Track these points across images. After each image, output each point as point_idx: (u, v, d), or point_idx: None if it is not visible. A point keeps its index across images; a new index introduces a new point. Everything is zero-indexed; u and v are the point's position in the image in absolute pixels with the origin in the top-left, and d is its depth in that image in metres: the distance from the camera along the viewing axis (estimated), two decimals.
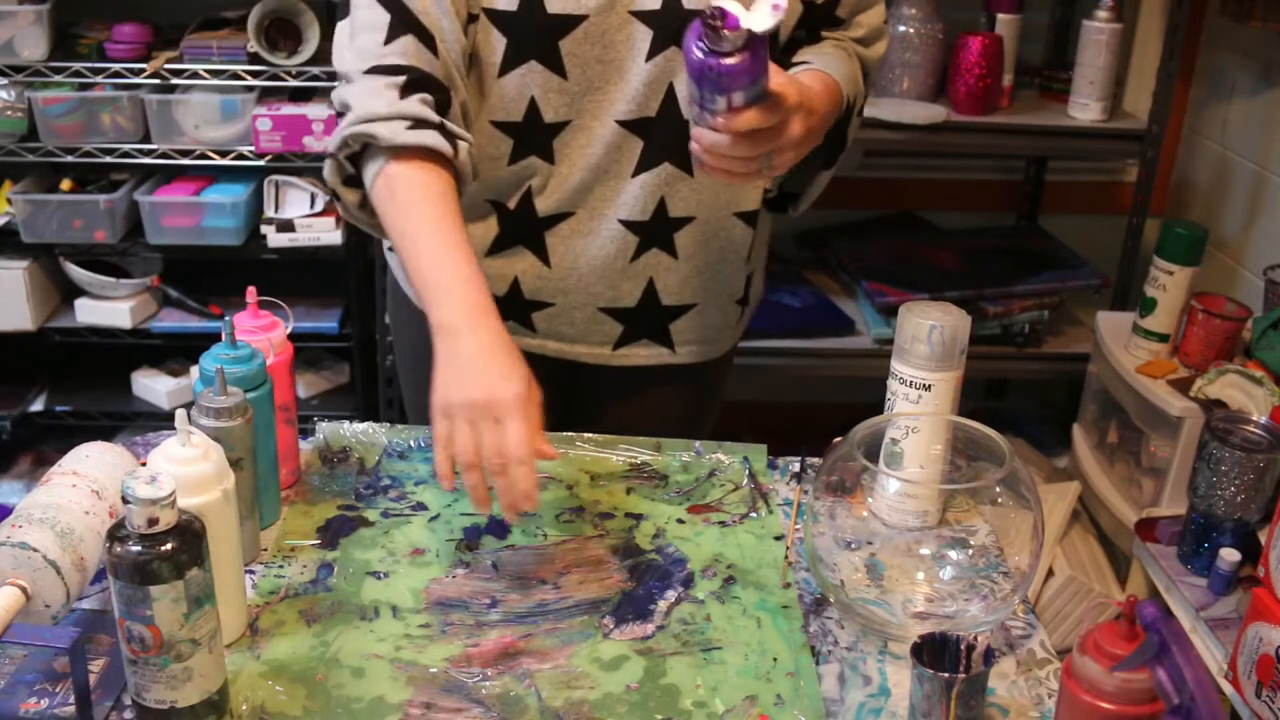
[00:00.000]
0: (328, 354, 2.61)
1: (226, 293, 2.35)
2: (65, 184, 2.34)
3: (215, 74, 2.24)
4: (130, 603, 0.87)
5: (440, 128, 1.15)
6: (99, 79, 2.24)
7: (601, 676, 1.01)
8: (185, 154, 2.29)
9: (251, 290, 1.19)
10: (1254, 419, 1.68)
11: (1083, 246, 2.58)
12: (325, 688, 0.99)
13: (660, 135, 1.27)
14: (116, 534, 0.87)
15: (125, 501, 0.86)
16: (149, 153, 2.29)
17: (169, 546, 0.87)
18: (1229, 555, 1.65)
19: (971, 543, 1.18)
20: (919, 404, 1.14)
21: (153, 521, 0.86)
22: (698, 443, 1.34)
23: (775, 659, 1.04)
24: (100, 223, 2.30)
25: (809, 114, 1.13)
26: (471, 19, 1.21)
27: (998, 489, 1.12)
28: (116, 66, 2.23)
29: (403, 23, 1.15)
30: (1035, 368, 2.43)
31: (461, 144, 1.17)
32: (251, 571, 1.12)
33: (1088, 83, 2.28)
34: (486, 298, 1.11)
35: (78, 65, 2.22)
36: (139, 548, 0.86)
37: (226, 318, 1.13)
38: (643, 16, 1.21)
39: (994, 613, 1.07)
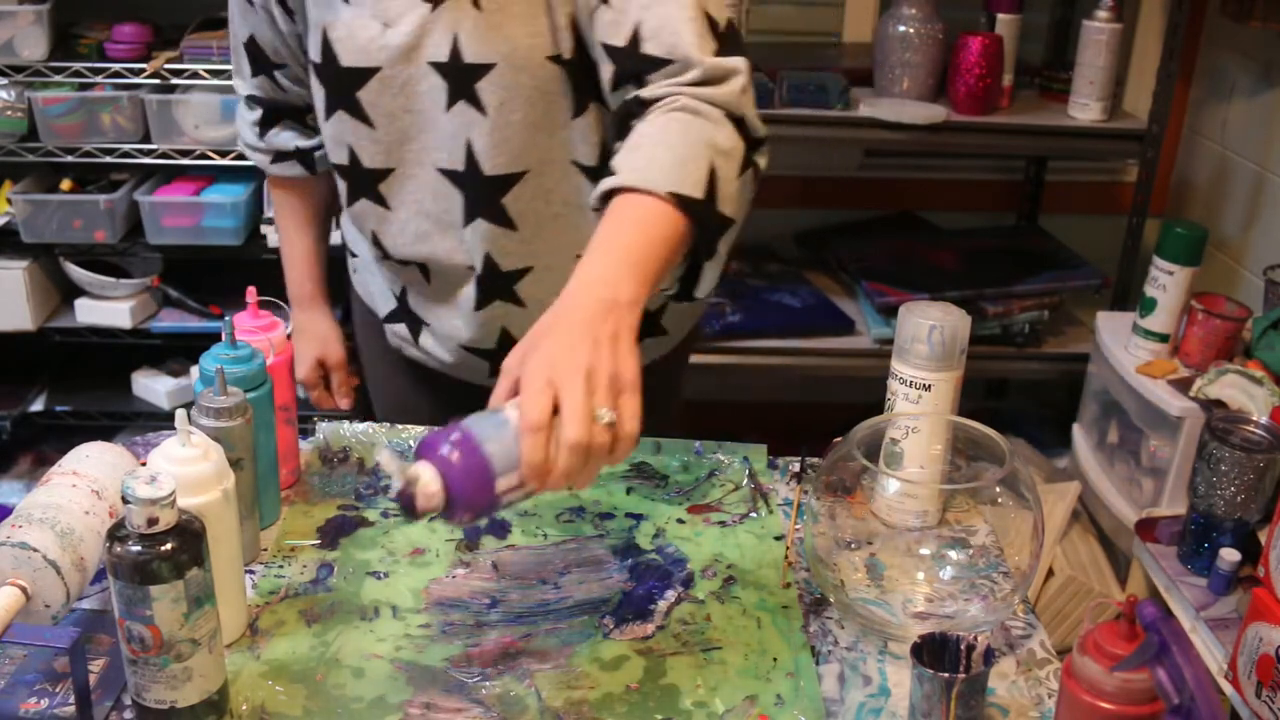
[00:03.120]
0: None
1: (226, 293, 2.34)
2: (65, 184, 2.34)
3: (215, 74, 2.24)
4: (130, 603, 0.87)
5: (296, 153, 1.43)
6: (99, 79, 2.24)
7: (601, 676, 1.01)
8: (185, 154, 2.29)
9: (251, 290, 1.19)
10: (1254, 419, 1.68)
11: (1083, 246, 2.58)
12: (325, 688, 0.99)
13: (471, 190, 1.25)
14: (116, 534, 0.87)
15: (125, 501, 0.86)
16: (149, 153, 2.29)
17: (169, 546, 0.87)
18: (1229, 555, 1.65)
19: (971, 543, 1.18)
20: (919, 404, 1.14)
21: (153, 521, 0.86)
22: (698, 443, 1.34)
23: (775, 659, 1.04)
24: (100, 223, 2.30)
25: (585, 326, 0.91)
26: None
27: (998, 489, 1.12)
28: (116, 66, 2.23)
29: (257, 63, 1.36)
30: (1035, 368, 2.43)
31: (320, 153, 1.42)
32: (251, 571, 1.12)
33: (1088, 83, 2.28)
34: (305, 290, 1.54)
35: (78, 65, 2.23)
36: (139, 548, 0.86)
37: (226, 318, 1.13)
38: (437, 67, 1.19)
39: (994, 613, 1.07)
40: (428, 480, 0.86)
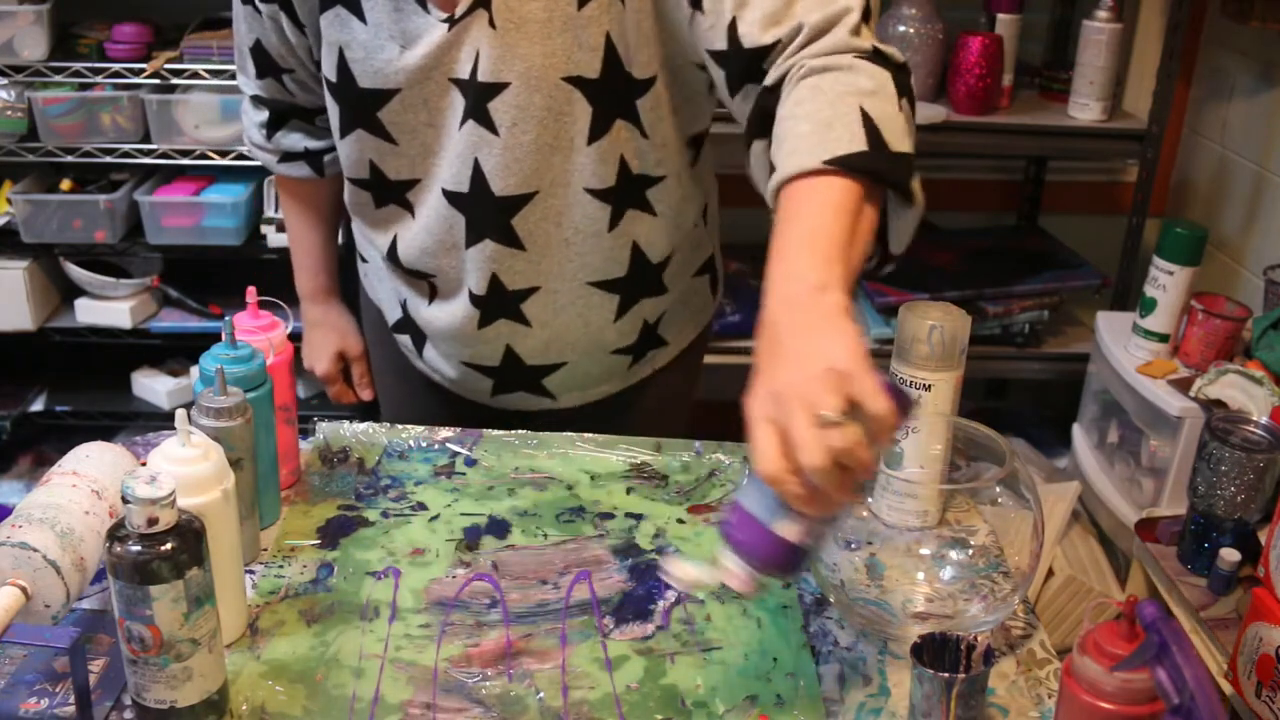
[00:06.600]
0: None
1: (226, 293, 2.35)
2: (65, 184, 2.34)
3: (215, 74, 2.23)
4: (130, 603, 0.87)
5: (305, 155, 1.41)
6: (99, 79, 2.24)
7: (601, 676, 1.01)
8: (185, 154, 2.29)
9: (251, 290, 1.19)
10: (1254, 419, 1.68)
11: (1083, 246, 2.58)
12: (325, 688, 0.99)
13: (476, 212, 1.23)
14: (116, 534, 0.87)
15: (125, 501, 0.86)
16: (149, 153, 2.29)
17: (169, 546, 0.87)
18: (1229, 555, 1.65)
19: (971, 543, 1.18)
20: (919, 404, 1.14)
21: (153, 521, 0.86)
22: (697, 443, 1.34)
23: (775, 659, 1.04)
24: (100, 223, 2.30)
25: (825, 318, 0.86)
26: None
27: (998, 489, 1.12)
28: (116, 66, 2.23)
29: (264, 67, 1.32)
30: (1035, 368, 2.43)
31: (328, 156, 1.41)
32: (251, 571, 1.12)
33: (1088, 83, 2.28)
34: (319, 283, 1.56)
35: (78, 65, 2.22)
36: (139, 548, 0.86)
37: (226, 318, 1.13)
38: (458, 84, 1.18)
39: (994, 613, 1.07)
40: (729, 564, 0.90)
